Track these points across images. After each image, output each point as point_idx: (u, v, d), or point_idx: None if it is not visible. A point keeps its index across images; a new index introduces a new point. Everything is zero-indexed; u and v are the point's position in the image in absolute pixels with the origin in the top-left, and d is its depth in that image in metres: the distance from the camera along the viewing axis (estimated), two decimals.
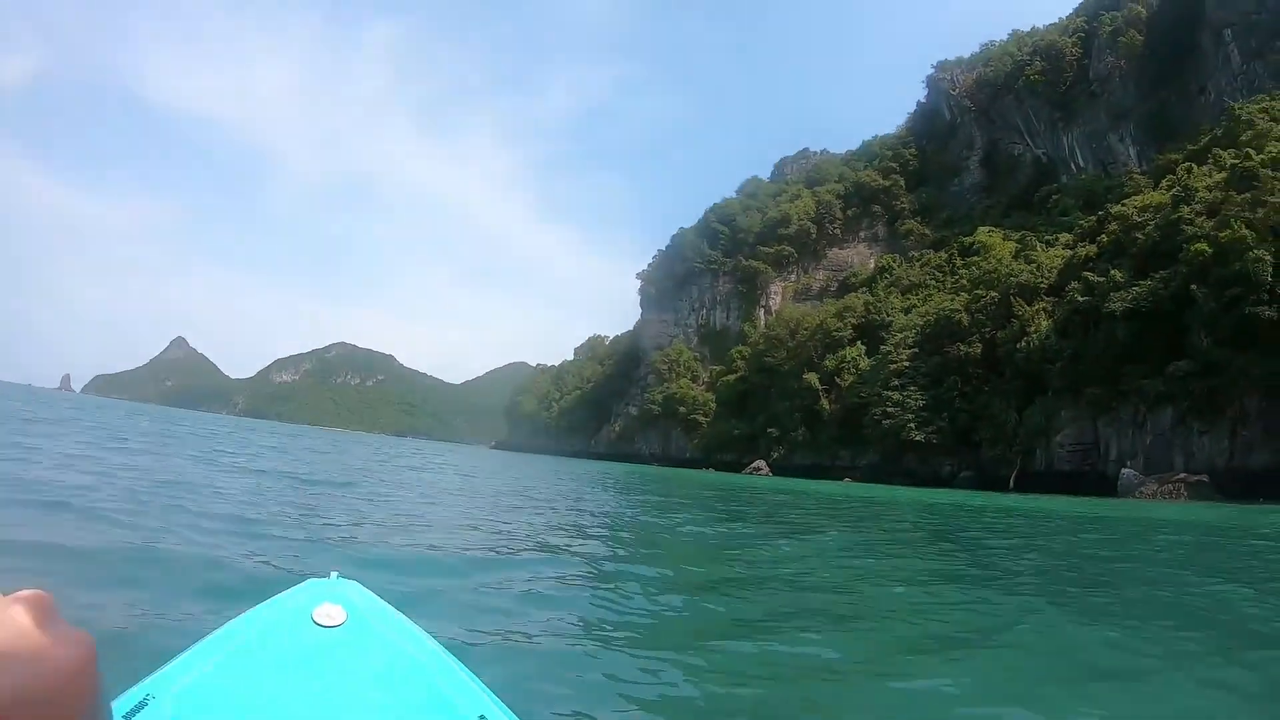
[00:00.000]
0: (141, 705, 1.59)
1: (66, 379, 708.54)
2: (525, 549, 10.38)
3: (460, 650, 2.44)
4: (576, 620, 6.36)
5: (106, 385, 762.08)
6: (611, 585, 8.13)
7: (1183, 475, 52.04)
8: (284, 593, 2.21)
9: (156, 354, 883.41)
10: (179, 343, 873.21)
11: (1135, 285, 63.58)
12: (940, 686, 5.06)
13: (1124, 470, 56.56)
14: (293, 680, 1.81)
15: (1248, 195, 59.06)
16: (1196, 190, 65.38)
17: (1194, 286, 57.72)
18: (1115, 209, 75.86)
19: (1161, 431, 58.84)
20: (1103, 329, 65.31)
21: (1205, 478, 50.68)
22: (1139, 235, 67.91)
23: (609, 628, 6.24)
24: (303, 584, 2.26)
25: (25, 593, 0.43)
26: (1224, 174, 64.87)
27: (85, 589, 5.44)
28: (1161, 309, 60.79)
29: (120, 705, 1.56)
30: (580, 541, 12.31)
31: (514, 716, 1.84)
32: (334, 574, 2.38)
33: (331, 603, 2.12)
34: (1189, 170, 70.81)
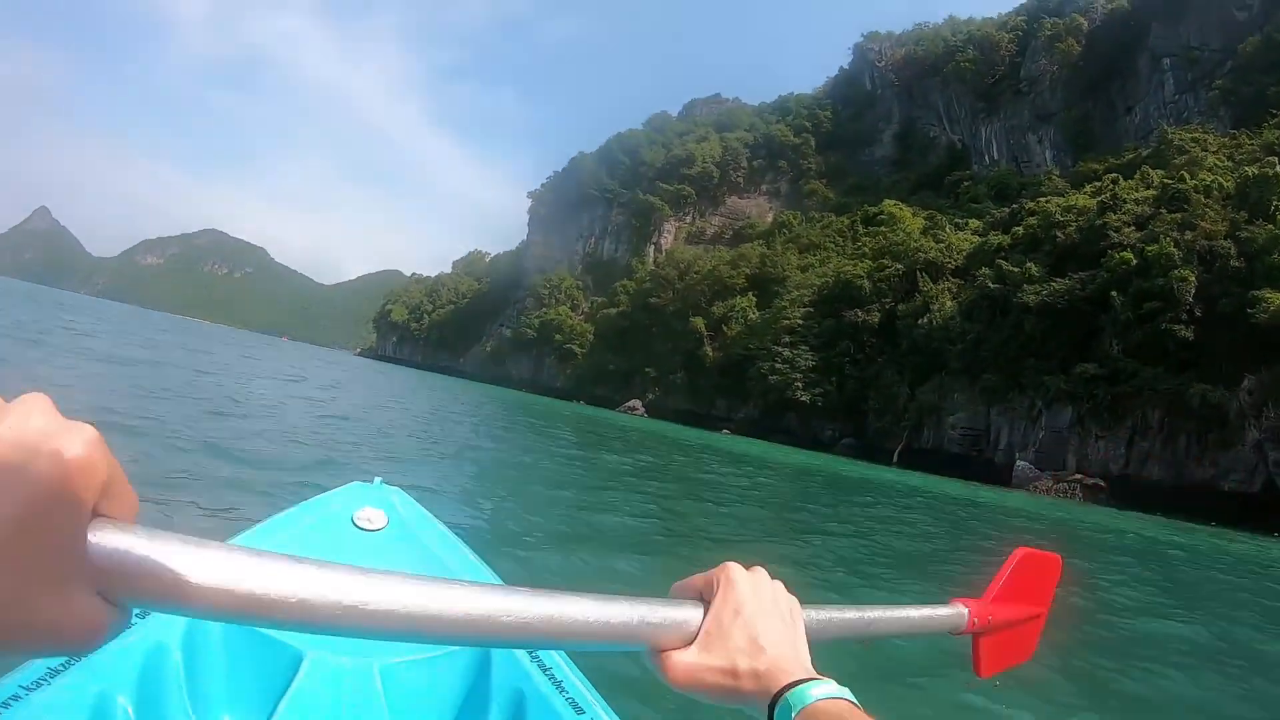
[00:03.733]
0: None
1: None
2: None
3: None
4: None
5: None
6: None
7: (1079, 476, 52.00)
8: (326, 493, 2.22)
9: (17, 223, 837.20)
10: (42, 213, 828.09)
11: (1052, 281, 63.23)
12: None
13: (1020, 462, 56.41)
14: None
15: (1178, 216, 59.08)
16: (1125, 201, 65.34)
17: (1114, 293, 57.58)
18: (1036, 204, 75.87)
19: (1058, 429, 58.80)
20: (1010, 319, 64.99)
21: (1102, 482, 50.58)
22: (1059, 234, 67.75)
23: None
24: (346, 486, 2.27)
25: (24, 396, 0.46)
26: (1153, 191, 65.06)
27: None
28: (1075, 309, 60.62)
29: None
30: None
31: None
32: (377, 479, 2.36)
33: (373, 507, 2.14)
34: (1115, 181, 70.93)
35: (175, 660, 1.59)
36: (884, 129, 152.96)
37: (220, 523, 5.64)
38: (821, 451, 66.48)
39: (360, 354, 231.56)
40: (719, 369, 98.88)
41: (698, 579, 0.87)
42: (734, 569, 0.86)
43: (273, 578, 0.54)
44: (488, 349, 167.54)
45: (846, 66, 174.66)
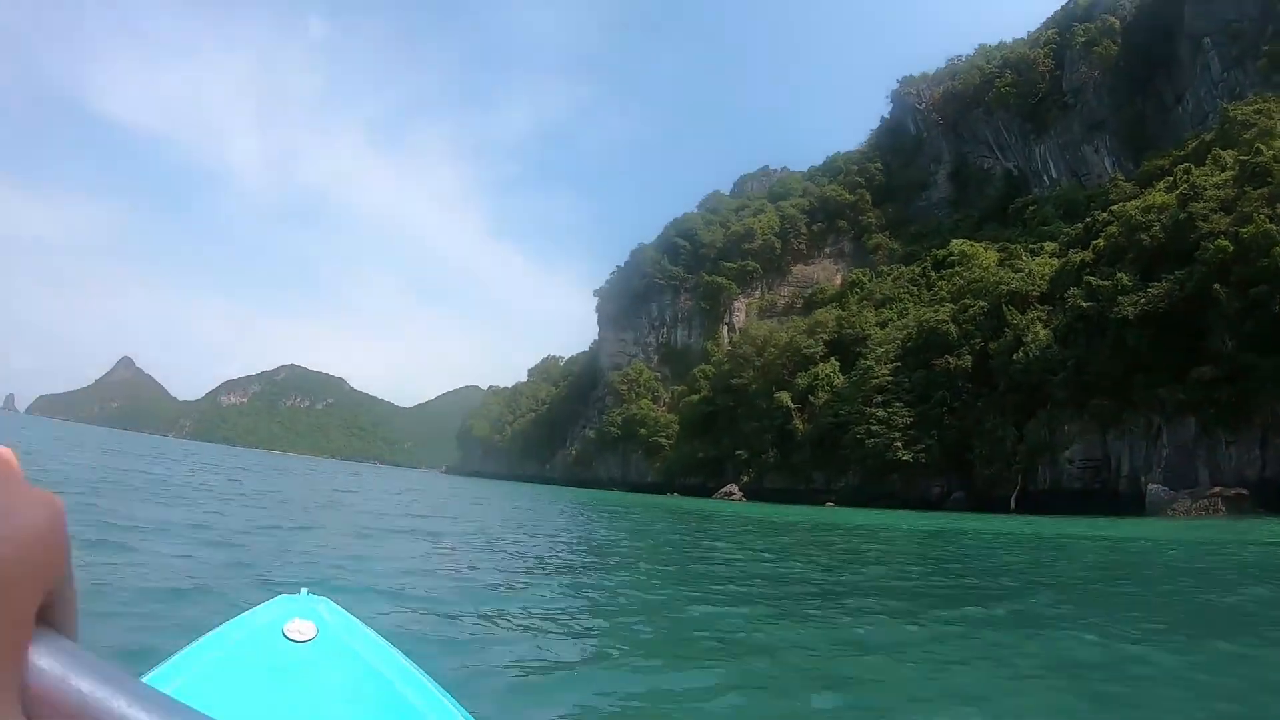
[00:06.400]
0: None
1: (10, 399, 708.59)
2: None
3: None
4: None
5: (51, 406, 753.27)
6: None
7: (1218, 489, 47.46)
8: (254, 608, 2.21)
9: (102, 374, 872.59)
10: (126, 363, 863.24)
11: (1148, 287, 59.17)
12: None
13: (1151, 486, 51.90)
14: (264, 695, 1.86)
15: (1264, 190, 55.26)
16: (1204, 188, 61.46)
17: (1216, 286, 53.44)
18: (1113, 210, 71.89)
19: (1182, 444, 54.33)
20: (1110, 335, 60.88)
21: (1244, 491, 46.10)
22: (1144, 237, 63.74)
23: None
24: (273, 600, 2.26)
25: None
26: (1230, 172, 61.15)
27: None
28: (1177, 312, 56.47)
29: None
30: None
31: None
32: (304, 590, 2.38)
33: (303, 618, 2.14)
34: (1188, 171, 67.19)
35: None
36: (936, 170, 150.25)
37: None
38: (932, 510, 62.62)
39: (445, 471, 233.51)
40: (812, 441, 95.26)
41: None
42: None
43: None
44: (574, 452, 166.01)
45: (887, 115, 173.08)
